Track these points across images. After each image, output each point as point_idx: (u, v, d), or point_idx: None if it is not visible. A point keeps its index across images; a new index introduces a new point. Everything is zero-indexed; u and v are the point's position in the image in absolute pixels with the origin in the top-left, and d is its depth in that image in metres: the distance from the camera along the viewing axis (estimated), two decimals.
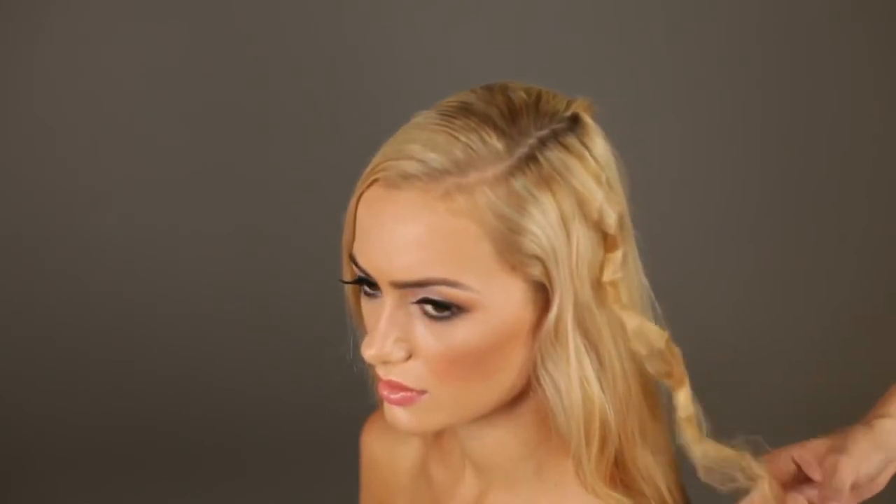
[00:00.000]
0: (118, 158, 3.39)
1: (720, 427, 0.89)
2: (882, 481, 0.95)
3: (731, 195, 3.39)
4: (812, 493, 0.91)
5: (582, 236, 0.82)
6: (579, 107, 0.85)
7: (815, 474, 0.92)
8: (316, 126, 3.35)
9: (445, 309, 0.81)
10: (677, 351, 0.87)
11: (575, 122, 0.84)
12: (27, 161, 3.38)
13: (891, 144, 3.36)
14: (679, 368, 0.87)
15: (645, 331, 0.85)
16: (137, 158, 3.39)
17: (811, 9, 3.32)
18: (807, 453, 0.93)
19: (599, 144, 0.84)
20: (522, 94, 0.84)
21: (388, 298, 0.83)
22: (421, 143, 0.80)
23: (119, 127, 3.38)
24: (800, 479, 0.93)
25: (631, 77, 3.34)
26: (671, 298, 0.91)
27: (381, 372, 0.85)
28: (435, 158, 0.79)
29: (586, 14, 3.35)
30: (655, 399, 0.90)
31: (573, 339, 0.83)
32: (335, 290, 0.93)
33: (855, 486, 0.93)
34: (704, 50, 3.36)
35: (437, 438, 1.02)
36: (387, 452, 1.07)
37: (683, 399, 0.86)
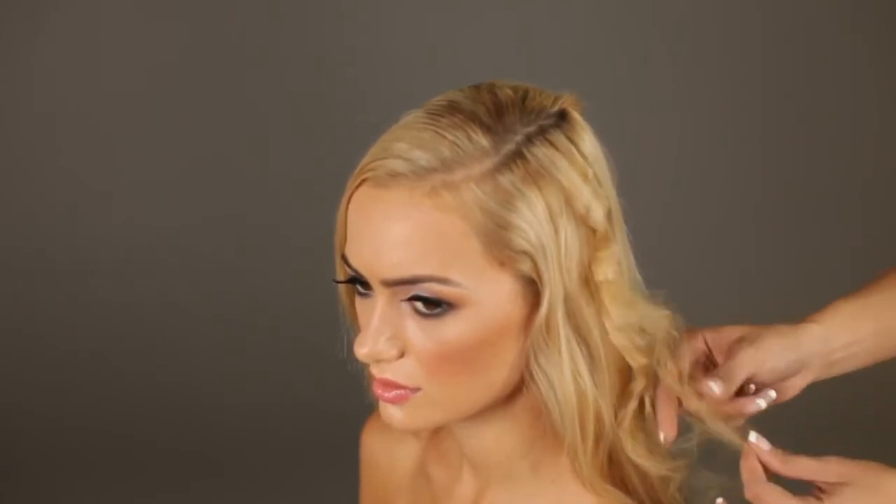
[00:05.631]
0: (118, 159, 3.39)
1: None
2: (795, 385, 0.94)
3: (730, 194, 3.39)
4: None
5: (570, 232, 0.82)
6: (566, 102, 0.85)
7: (719, 357, 0.92)
8: (316, 127, 3.35)
9: (436, 306, 0.81)
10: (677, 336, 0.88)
11: (562, 118, 0.84)
12: (27, 161, 3.38)
13: (891, 144, 3.35)
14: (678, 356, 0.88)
15: (651, 323, 0.86)
16: (137, 159, 3.39)
17: (811, 7, 3.32)
18: (719, 337, 0.93)
19: (587, 140, 0.84)
20: (509, 92, 0.84)
21: (380, 297, 0.83)
22: (408, 141, 0.81)
23: (119, 127, 3.39)
24: (706, 366, 0.93)
25: (632, 76, 3.35)
26: (669, 298, 0.91)
27: (375, 370, 0.85)
28: (421, 156, 0.80)
29: (586, 13, 3.35)
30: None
31: (564, 333, 0.83)
32: (333, 290, 0.93)
33: (758, 381, 0.92)
34: (705, 49, 3.36)
35: (434, 438, 1.02)
36: (386, 452, 1.07)
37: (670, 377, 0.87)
